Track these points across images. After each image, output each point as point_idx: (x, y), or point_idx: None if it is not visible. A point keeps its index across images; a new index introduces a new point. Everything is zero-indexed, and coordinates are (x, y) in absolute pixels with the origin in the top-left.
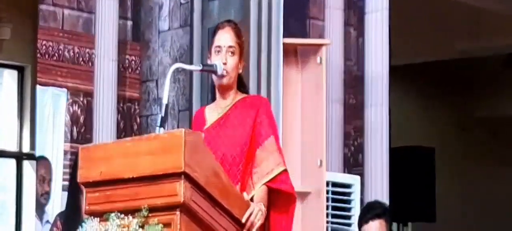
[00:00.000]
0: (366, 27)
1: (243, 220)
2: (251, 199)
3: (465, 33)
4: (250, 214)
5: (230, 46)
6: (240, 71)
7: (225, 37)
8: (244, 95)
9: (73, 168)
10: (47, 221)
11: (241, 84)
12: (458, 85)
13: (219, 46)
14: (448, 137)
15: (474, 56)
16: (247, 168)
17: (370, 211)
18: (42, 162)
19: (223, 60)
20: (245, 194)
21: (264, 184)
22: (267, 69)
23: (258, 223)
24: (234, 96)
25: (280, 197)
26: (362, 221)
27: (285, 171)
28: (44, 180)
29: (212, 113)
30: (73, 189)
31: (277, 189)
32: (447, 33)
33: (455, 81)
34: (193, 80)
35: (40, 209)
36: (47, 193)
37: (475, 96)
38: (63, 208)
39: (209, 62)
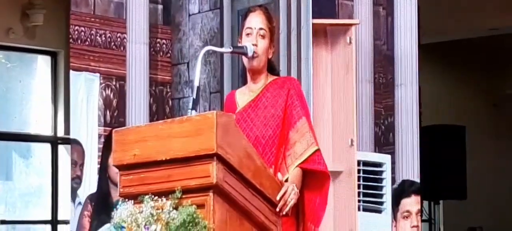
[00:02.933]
0: (395, 6)
1: (277, 198)
2: (285, 181)
3: (494, 10)
4: (284, 193)
5: (260, 29)
6: (270, 56)
7: (256, 20)
8: (274, 77)
9: (102, 150)
10: (80, 203)
11: (272, 69)
12: (488, 63)
13: (250, 28)
14: (479, 115)
15: (504, 33)
16: (280, 150)
17: (411, 186)
18: (74, 146)
19: (254, 42)
20: (279, 174)
21: (298, 165)
22: (296, 50)
23: (291, 202)
24: (265, 80)
25: (314, 177)
26: (403, 194)
27: (318, 150)
28: (76, 164)
29: (243, 96)
30: (102, 171)
31: (310, 170)
32: (476, 10)
33: (485, 59)
34: (224, 63)
35: (72, 192)
36: (79, 177)
37: (505, 73)
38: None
39: (239, 45)
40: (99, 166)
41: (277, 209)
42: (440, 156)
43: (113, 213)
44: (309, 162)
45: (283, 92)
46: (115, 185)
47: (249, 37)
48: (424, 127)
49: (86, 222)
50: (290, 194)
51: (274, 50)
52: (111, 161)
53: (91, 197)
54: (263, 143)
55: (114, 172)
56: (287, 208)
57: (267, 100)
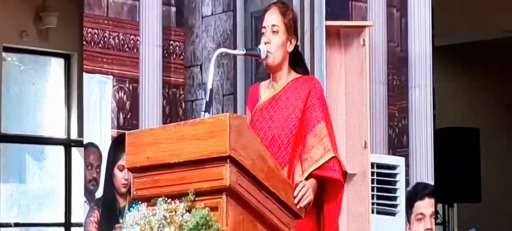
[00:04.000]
0: (409, 7)
1: (295, 194)
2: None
3: (509, 12)
4: (301, 188)
5: (273, 25)
6: (290, 50)
7: (269, 18)
8: (298, 75)
9: (108, 159)
10: None
11: (297, 63)
12: (502, 65)
13: (264, 27)
14: (493, 117)
15: None
16: (296, 151)
17: (425, 188)
18: (90, 149)
19: (266, 40)
20: (297, 176)
21: (312, 171)
22: (310, 52)
23: (308, 198)
24: (286, 77)
25: (330, 185)
26: (417, 197)
27: (334, 157)
28: (91, 166)
29: (265, 91)
30: (107, 179)
31: (324, 177)
32: (490, 12)
33: (499, 61)
34: (237, 65)
35: (89, 195)
36: (95, 180)
37: None
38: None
39: (253, 47)
40: (105, 169)
41: (295, 201)
42: (454, 158)
43: (124, 216)
44: (324, 168)
45: (303, 93)
46: (120, 195)
47: (263, 36)
48: (438, 129)
49: (93, 228)
50: (307, 188)
51: (295, 43)
52: (116, 170)
53: (97, 203)
54: (278, 142)
55: (119, 182)
56: (305, 202)
57: (287, 99)
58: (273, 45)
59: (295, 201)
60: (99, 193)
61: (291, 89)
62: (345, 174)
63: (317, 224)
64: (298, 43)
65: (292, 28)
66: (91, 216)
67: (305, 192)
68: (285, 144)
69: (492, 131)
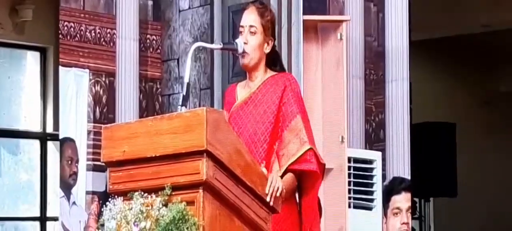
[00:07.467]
0: (386, 2)
1: (266, 191)
2: None
3: (488, 6)
4: (270, 182)
5: (251, 26)
6: (267, 51)
7: (247, 18)
8: (274, 73)
9: None
10: (74, 203)
11: (274, 63)
12: (481, 60)
13: (242, 27)
14: (470, 112)
15: (497, 30)
16: (272, 147)
17: (401, 183)
18: (68, 144)
19: (244, 40)
20: (264, 169)
21: (289, 166)
22: (287, 46)
23: (280, 190)
24: (262, 76)
25: (307, 176)
26: (394, 191)
27: (310, 149)
28: (71, 161)
29: (242, 91)
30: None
31: (301, 171)
32: (468, 6)
33: (478, 56)
34: (214, 59)
35: (67, 190)
36: (75, 174)
37: (498, 70)
38: (88, 188)
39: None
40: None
41: (268, 199)
42: (430, 153)
43: (102, 210)
44: (300, 161)
45: (278, 89)
46: None
47: (241, 35)
48: (414, 124)
49: (92, 220)
50: (276, 181)
51: (272, 44)
52: None
53: (99, 195)
54: (255, 139)
55: None
56: (273, 197)
57: (263, 97)
58: (250, 46)
59: (268, 199)
60: (75, 189)
61: (266, 87)
62: (323, 166)
63: (298, 218)
64: (276, 43)
65: (270, 29)
66: (91, 208)
67: (274, 185)
68: (261, 140)
69: (468, 126)
